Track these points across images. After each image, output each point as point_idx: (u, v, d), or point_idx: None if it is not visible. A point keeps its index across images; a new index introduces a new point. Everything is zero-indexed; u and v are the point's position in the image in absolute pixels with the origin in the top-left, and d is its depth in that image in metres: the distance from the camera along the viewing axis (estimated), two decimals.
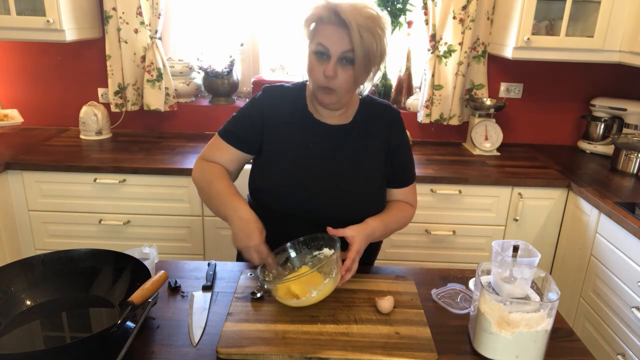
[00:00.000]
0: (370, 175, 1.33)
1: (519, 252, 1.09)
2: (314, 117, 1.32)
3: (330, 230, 1.19)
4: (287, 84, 1.37)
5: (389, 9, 2.45)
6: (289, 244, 1.24)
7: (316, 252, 1.24)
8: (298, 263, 1.23)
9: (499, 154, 2.51)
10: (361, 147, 1.32)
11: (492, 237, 2.26)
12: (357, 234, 1.19)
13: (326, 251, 1.22)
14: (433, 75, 2.49)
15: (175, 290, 1.23)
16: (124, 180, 2.16)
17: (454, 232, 2.26)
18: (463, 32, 2.42)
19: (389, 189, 1.39)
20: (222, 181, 1.27)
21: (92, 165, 2.14)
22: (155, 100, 2.53)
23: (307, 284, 1.11)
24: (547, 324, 0.98)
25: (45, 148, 2.35)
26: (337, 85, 1.20)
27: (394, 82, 2.68)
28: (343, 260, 1.17)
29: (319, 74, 1.20)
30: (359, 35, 1.13)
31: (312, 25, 1.20)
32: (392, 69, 2.66)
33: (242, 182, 1.40)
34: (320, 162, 1.30)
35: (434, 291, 1.26)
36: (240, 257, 1.51)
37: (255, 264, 1.17)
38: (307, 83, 1.30)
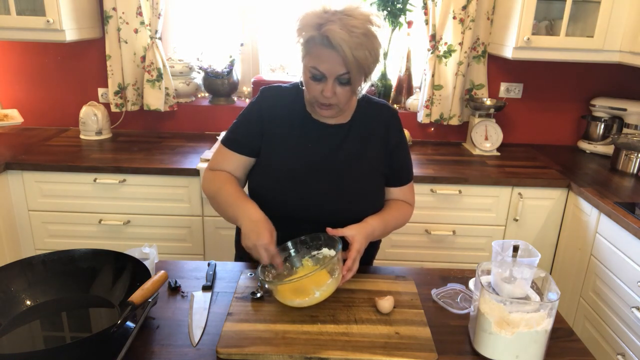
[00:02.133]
0: (369, 174, 1.33)
1: (519, 252, 1.09)
2: (312, 117, 1.32)
3: (329, 230, 1.19)
4: (284, 85, 1.37)
5: (389, 9, 2.45)
6: (290, 243, 1.24)
7: (315, 252, 1.24)
8: (297, 263, 1.23)
9: (499, 154, 2.51)
10: (360, 146, 1.32)
11: (492, 237, 2.26)
12: (357, 234, 1.19)
13: (325, 251, 1.22)
14: (433, 75, 2.49)
15: (175, 290, 1.23)
16: (124, 180, 2.16)
17: (454, 232, 2.26)
18: (463, 32, 2.42)
19: (388, 188, 1.39)
20: (230, 186, 1.28)
21: (92, 165, 2.14)
22: (155, 100, 2.53)
23: (310, 284, 1.11)
24: (547, 324, 0.98)
25: (45, 148, 2.35)
26: (335, 101, 1.21)
27: (394, 82, 2.67)
28: (344, 260, 1.17)
29: (317, 92, 1.20)
30: (353, 58, 1.12)
31: (305, 40, 1.17)
32: (392, 69, 2.66)
33: None
34: (319, 162, 1.30)
35: (434, 291, 1.26)
36: (239, 258, 1.51)
37: (264, 264, 1.16)
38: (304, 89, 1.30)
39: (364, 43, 1.12)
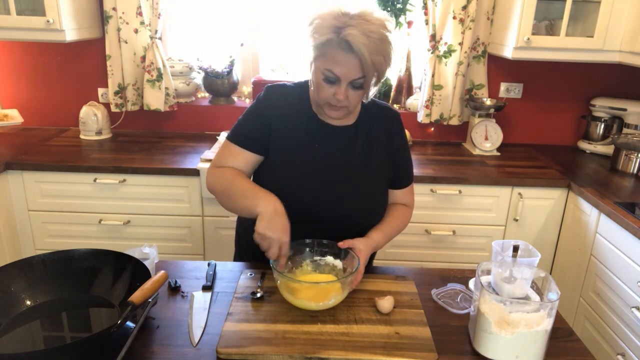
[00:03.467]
0: (374, 176, 1.33)
1: (519, 252, 1.09)
2: (318, 118, 1.32)
3: (341, 244, 1.20)
4: (289, 84, 1.36)
5: (389, 9, 2.45)
6: (308, 241, 1.24)
7: (317, 258, 1.24)
8: (297, 263, 1.23)
9: (499, 154, 2.51)
10: (366, 148, 1.33)
11: (492, 237, 2.26)
12: (365, 248, 1.21)
13: (329, 259, 1.23)
14: (433, 75, 2.49)
15: (175, 290, 1.23)
16: (124, 180, 2.16)
17: (454, 232, 2.26)
18: (463, 32, 2.42)
19: (390, 190, 1.39)
20: (242, 178, 1.26)
21: (92, 165, 2.14)
22: (155, 100, 2.53)
23: (331, 290, 1.12)
24: (547, 324, 0.98)
25: (45, 148, 2.35)
26: (347, 104, 1.21)
27: (394, 82, 2.68)
28: (344, 269, 1.21)
29: (329, 95, 1.19)
30: (371, 63, 1.12)
31: (321, 42, 1.15)
32: (392, 69, 2.65)
33: None
34: (325, 163, 1.30)
35: (434, 291, 1.26)
36: (238, 256, 1.51)
37: (270, 258, 1.15)
38: (311, 89, 1.29)
39: (380, 48, 1.13)
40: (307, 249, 1.24)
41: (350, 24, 1.11)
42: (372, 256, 1.50)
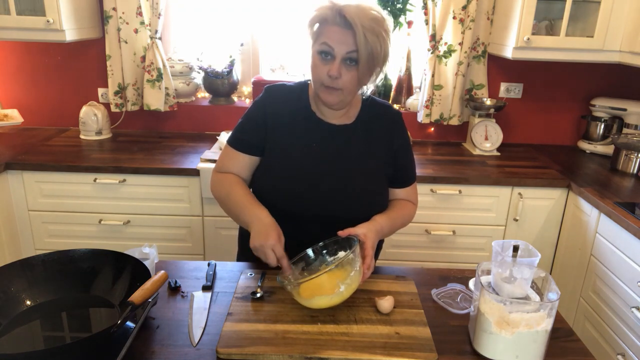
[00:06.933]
0: (373, 175, 1.33)
1: (519, 252, 1.09)
2: (317, 117, 1.33)
3: (341, 232, 1.18)
4: (289, 83, 1.38)
5: (389, 9, 2.45)
6: (310, 251, 1.22)
7: (331, 258, 1.22)
8: (316, 270, 1.21)
9: (499, 154, 2.51)
10: (364, 147, 1.33)
11: (492, 237, 2.26)
12: (369, 231, 1.20)
13: (341, 254, 1.21)
14: (433, 75, 2.49)
15: (175, 290, 1.23)
16: (124, 180, 2.16)
17: (454, 232, 2.26)
18: (463, 32, 2.42)
19: (392, 189, 1.40)
20: (239, 190, 1.29)
21: (92, 165, 2.14)
22: (155, 100, 2.53)
23: (333, 279, 1.09)
24: (547, 324, 0.98)
25: (45, 148, 2.35)
26: (341, 85, 1.21)
27: (394, 82, 2.68)
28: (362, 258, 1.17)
29: (323, 73, 1.21)
30: (364, 37, 1.14)
31: (317, 25, 1.21)
32: (392, 69, 2.66)
33: None
34: (323, 162, 1.30)
35: (434, 291, 1.26)
36: (240, 258, 1.51)
37: (271, 265, 1.16)
38: (310, 83, 1.31)
39: (374, 28, 1.16)
40: (315, 256, 1.22)
41: (347, 3, 1.17)
42: (379, 248, 1.49)
